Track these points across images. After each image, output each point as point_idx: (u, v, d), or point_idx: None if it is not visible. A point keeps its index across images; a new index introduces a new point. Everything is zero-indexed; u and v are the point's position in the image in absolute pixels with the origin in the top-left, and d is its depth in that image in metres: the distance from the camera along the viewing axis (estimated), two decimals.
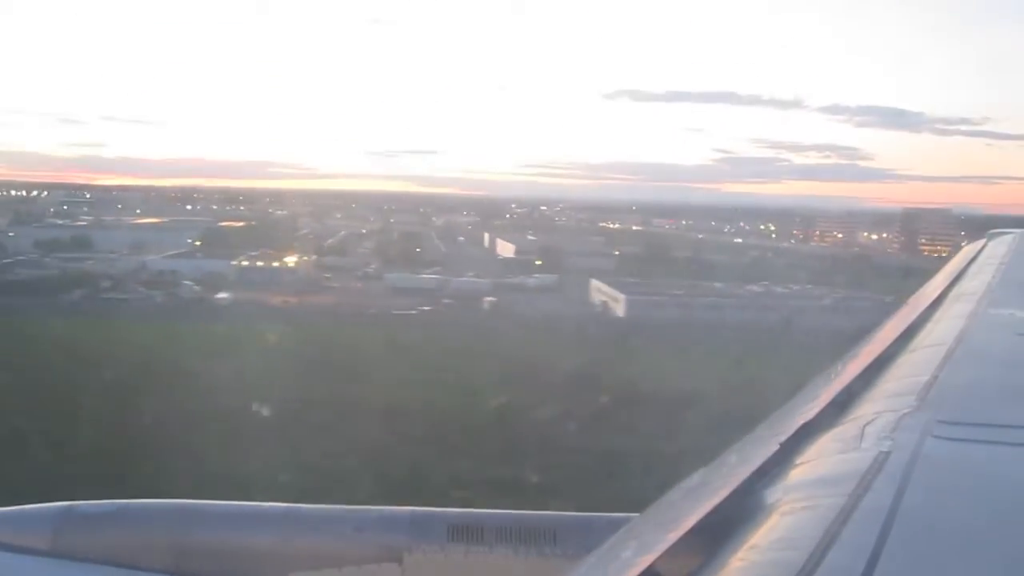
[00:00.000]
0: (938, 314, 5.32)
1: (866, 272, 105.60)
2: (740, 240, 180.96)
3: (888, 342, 4.41)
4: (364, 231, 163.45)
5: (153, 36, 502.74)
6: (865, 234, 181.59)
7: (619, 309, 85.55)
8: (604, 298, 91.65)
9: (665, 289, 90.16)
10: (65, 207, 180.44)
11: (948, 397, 3.21)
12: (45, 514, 4.97)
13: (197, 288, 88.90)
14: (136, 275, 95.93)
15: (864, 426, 2.84)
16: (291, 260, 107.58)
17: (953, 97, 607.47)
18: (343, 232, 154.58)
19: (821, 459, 2.65)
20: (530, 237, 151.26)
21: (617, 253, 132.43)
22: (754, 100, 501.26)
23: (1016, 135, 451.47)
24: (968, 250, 9.32)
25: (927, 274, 9.07)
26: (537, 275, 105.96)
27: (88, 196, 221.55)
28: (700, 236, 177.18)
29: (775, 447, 2.74)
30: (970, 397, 3.34)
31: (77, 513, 4.97)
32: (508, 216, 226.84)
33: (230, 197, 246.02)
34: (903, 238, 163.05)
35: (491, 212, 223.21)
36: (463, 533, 4.77)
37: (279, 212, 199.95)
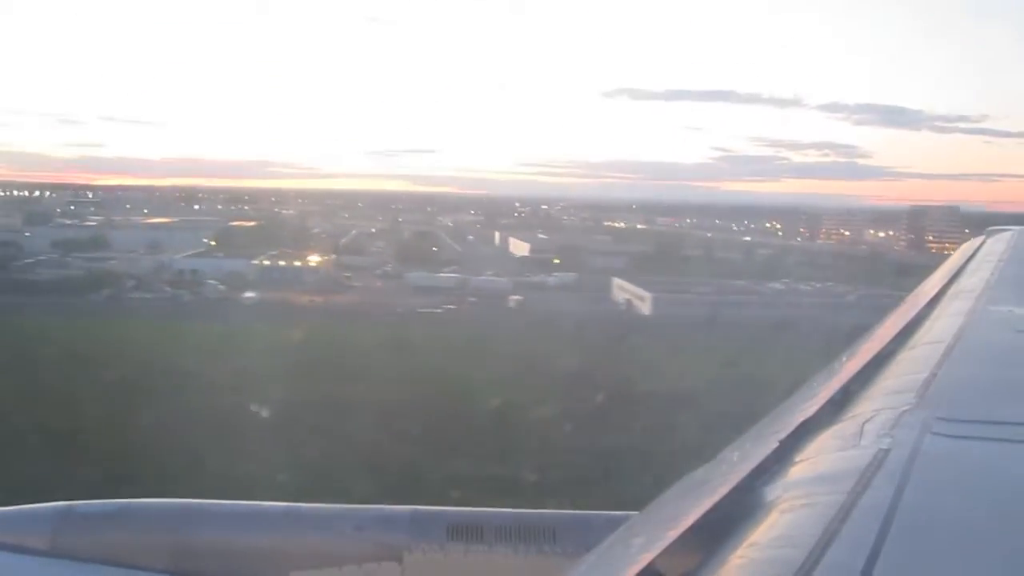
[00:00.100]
0: (937, 311, 5.29)
1: (881, 269, 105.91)
2: (748, 238, 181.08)
3: (887, 339, 4.39)
4: (374, 230, 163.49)
5: (151, 36, 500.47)
6: (871, 232, 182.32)
7: (645, 307, 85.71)
8: (628, 296, 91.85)
9: (689, 287, 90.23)
10: (72, 207, 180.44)
11: (947, 394, 3.19)
12: (44, 514, 4.94)
13: (222, 287, 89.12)
14: (159, 275, 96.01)
15: (863, 423, 2.83)
16: (311, 259, 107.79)
17: (952, 95, 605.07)
18: (354, 231, 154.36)
19: (820, 456, 2.64)
20: (541, 236, 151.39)
21: (628, 252, 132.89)
22: (753, 98, 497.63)
23: (1015, 132, 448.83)
24: (967, 247, 9.30)
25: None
26: (556, 273, 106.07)
27: (91, 196, 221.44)
28: (708, 234, 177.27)
29: (774, 444, 2.75)
30: (969, 394, 3.32)
31: (77, 513, 4.95)
32: (514, 215, 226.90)
33: (234, 197, 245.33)
34: (911, 235, 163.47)
35: (493, 211, 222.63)
36: (463, 532, 4.78)
37: (286, 211, 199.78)
